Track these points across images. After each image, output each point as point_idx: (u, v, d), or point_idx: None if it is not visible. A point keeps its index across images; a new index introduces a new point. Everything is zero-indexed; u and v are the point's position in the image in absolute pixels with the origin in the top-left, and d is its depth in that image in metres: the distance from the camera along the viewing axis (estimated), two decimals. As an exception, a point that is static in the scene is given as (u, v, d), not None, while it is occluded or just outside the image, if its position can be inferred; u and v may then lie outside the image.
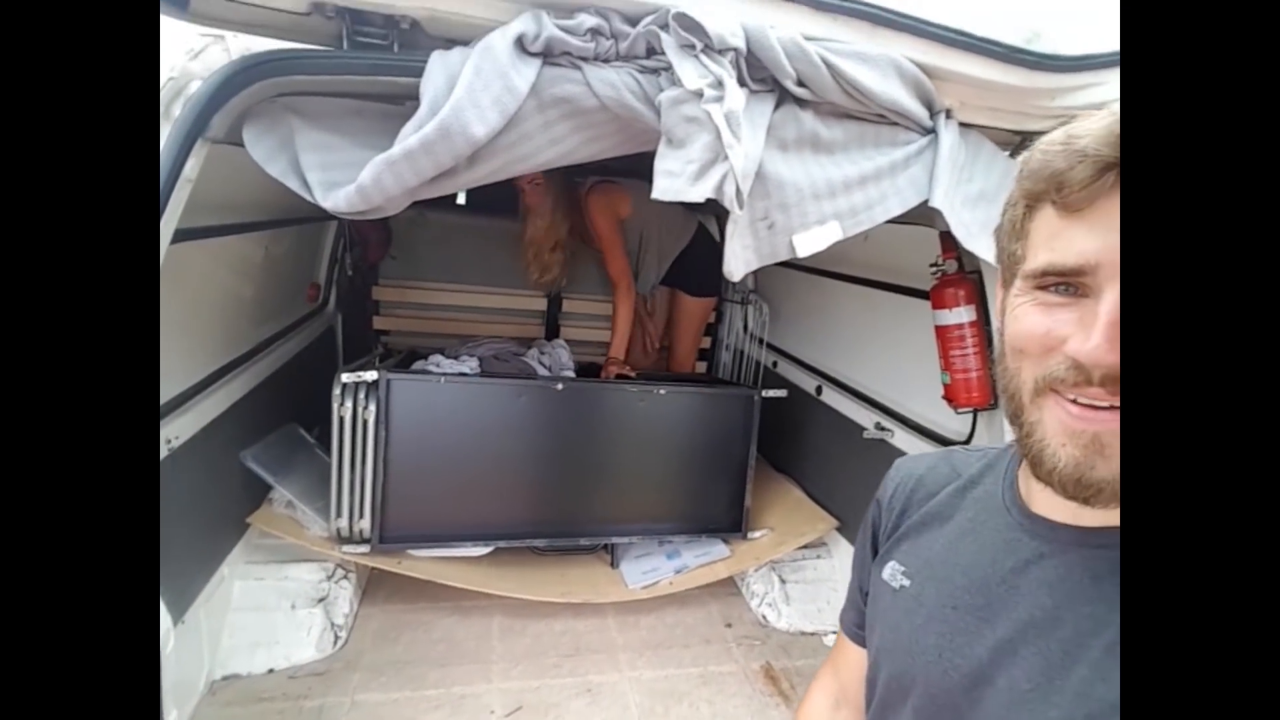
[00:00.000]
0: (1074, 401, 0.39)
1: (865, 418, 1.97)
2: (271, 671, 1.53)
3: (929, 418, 1.76)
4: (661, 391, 1.93)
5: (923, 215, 1.19)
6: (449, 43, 0.97)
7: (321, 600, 1.65)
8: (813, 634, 1.91)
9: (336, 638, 1.63)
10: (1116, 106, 0.38)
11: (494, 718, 1.48)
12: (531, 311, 2.87)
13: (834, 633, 1.45)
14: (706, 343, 3.03)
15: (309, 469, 1.82)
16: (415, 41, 0.98)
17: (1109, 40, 1.09)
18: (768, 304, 2.70)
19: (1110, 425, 0.38)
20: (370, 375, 1.61)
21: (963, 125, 1.17)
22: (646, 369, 2.65)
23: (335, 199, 0.97)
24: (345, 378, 1.60)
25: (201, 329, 1.50)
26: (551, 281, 2.43)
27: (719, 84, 0.91)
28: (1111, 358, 0.36)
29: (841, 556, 2.07)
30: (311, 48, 0.96)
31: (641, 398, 1.91)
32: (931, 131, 1.15)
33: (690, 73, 0.92)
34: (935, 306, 1.51)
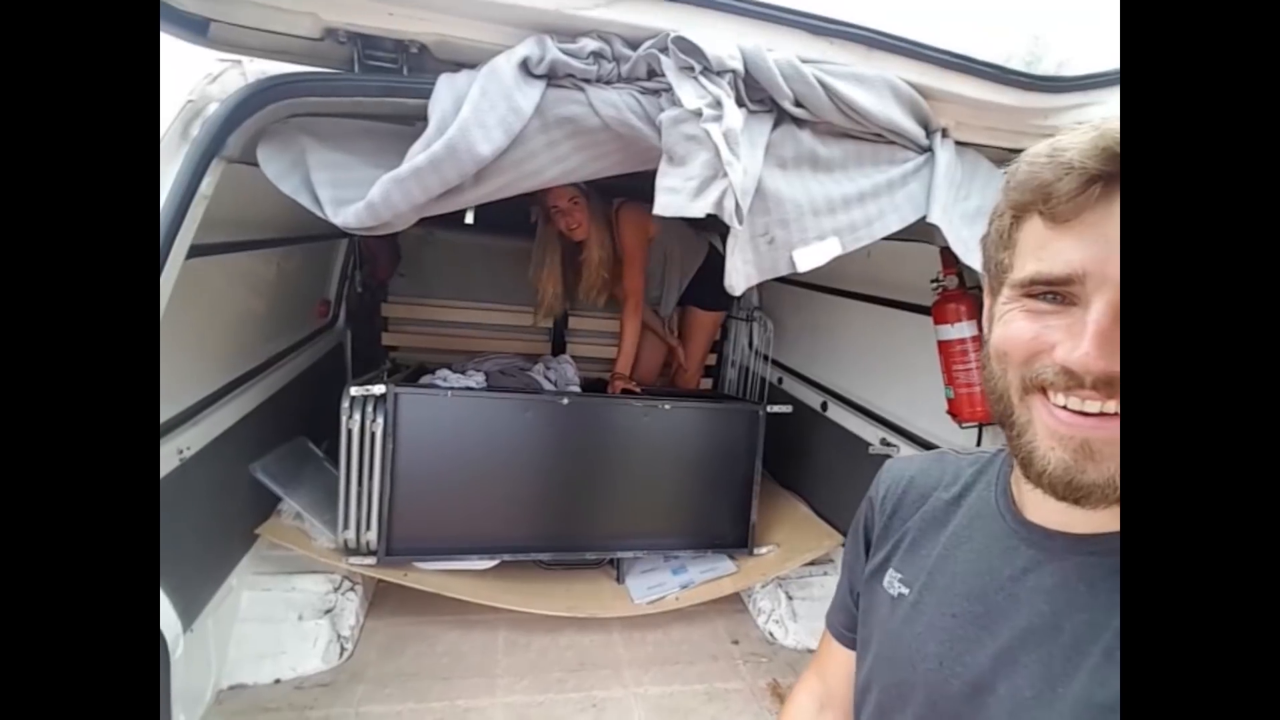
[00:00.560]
0: (1063, 408, 0.40)
1: (871, 433, 1.97)
2: (278, 682, 1.54)
3: (934, 433, 1.76)
4: (666, 406, 1.94)
5: (922, 232, 1.20)
6: (456, 66, 1.00)
7: (328, 612, 1.66)
8: (819, 651, 1.89)
9: (342, 649, 1.64)
10: (1101, 121, 0.40)
11: (497, 732, 1.48)
12: (538, 328, 2.90)
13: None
14: (712, 359, 3.04)
15: (317, 482, 1.84)
16: (424, 65, 1.02)
17: (1110, 46, 1.11)
18: (773, 320, 2.72)
19: (1098, 430, 0.39)
20: (378, 389, 1.64)
21: (960, 144, 1.19)
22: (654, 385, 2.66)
23: (345, 215, 1.00)
24: (354, 391, 1.62)
25: (215, 342, 1.54)
26: (603, 299, 2.38)
27: (717, 104, 0.94)
28: (1100, 365, 0.37)
29: (848, 573, 2.06)
30: (324, 71, 1.00)
31: (646, 412, 1.92)
32: (928, 150, 1.17)
33: (689, 93, 0.95)
34: (937, 322, 1.52)
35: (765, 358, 2.69)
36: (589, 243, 2.18)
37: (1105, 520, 0.43)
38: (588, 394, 2.10)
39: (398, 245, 2.70)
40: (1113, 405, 0.38)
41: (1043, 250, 0.41)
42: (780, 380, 2.62)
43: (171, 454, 1.27)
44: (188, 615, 1.32)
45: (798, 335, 2.61)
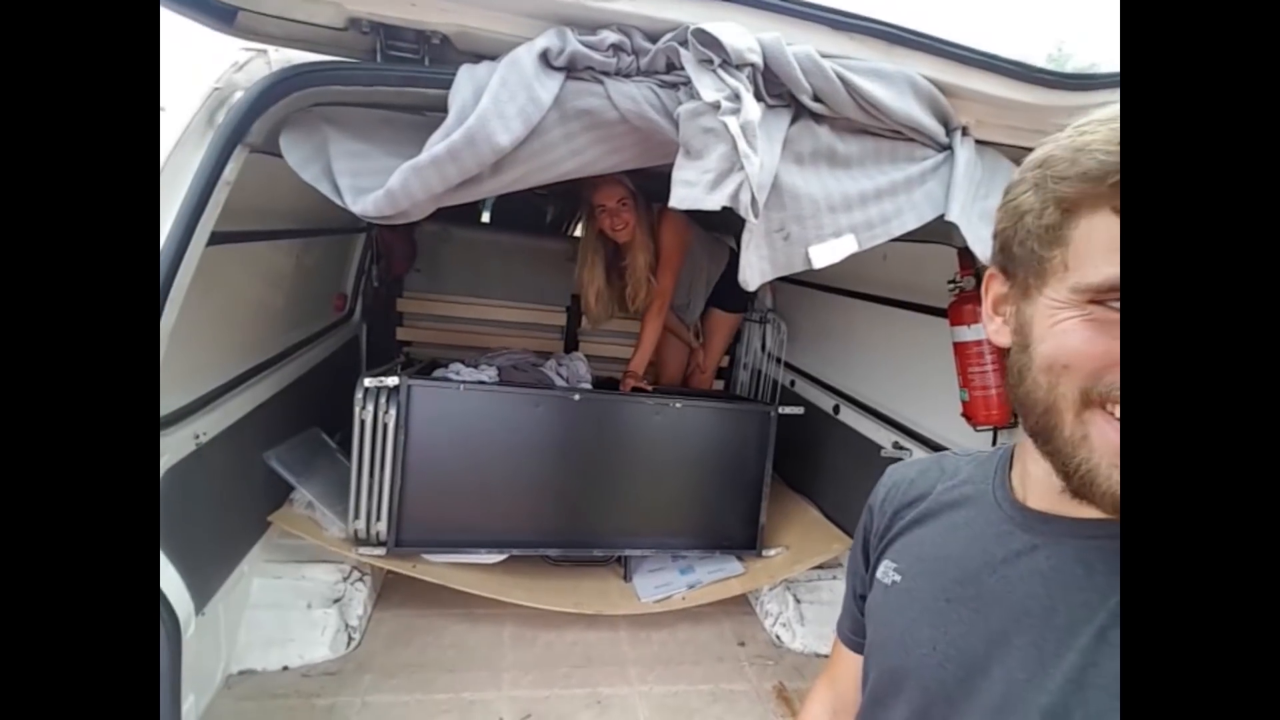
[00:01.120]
0: None
1: (883, 436, 1.95)
2: (286, 669, 1.55)
3: (947, 437, 1.74)
4: (678, 405, 1.94)
5: (940, 232, 1.19)
6: (477, 57, 1.01)
7: (337, 601, 1.67)
8: (827, 656, 1.87)
9: (350, 639, 1.65)
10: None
11: (502, 726, 1.48)
12: (551, 326, 2.91)
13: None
14: (724, 361, 3.04)
15: (330, 472, 1.86)
16: (445, 56, 1.03)
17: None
18: (786, 323, 2.71)
19: None
20: (392, 380, 1.65)
21: (980, 143, 1.18)
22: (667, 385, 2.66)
23: (364, 203, 1.00)
24: (368, 382, 1.64)
25: (233, 330, 1.56)
26: (645, 304, 2.30)
27: (736, 97, 0.94)
28: None
29: (857, 577, 2.04)
30: (347, 60, 1.01)
31: (658, 411, 1.92)
32: (948, 148, 1.16)
33: (708, 86, 0.95)
34: (953, 323, 1.50)
35: (778, 360, 2.68)
36: (634, 247, 2.16)
37: None
38: (599, 390, 2.10)
39: (414, 241, 2.73)
40: None
41: None
42: (793, 382, 2.60)
43: (188, 439, 1.28)
44: (200, 597, 1.33)
45: (811, 337, 2.60)
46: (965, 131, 1.17)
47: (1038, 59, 1.09)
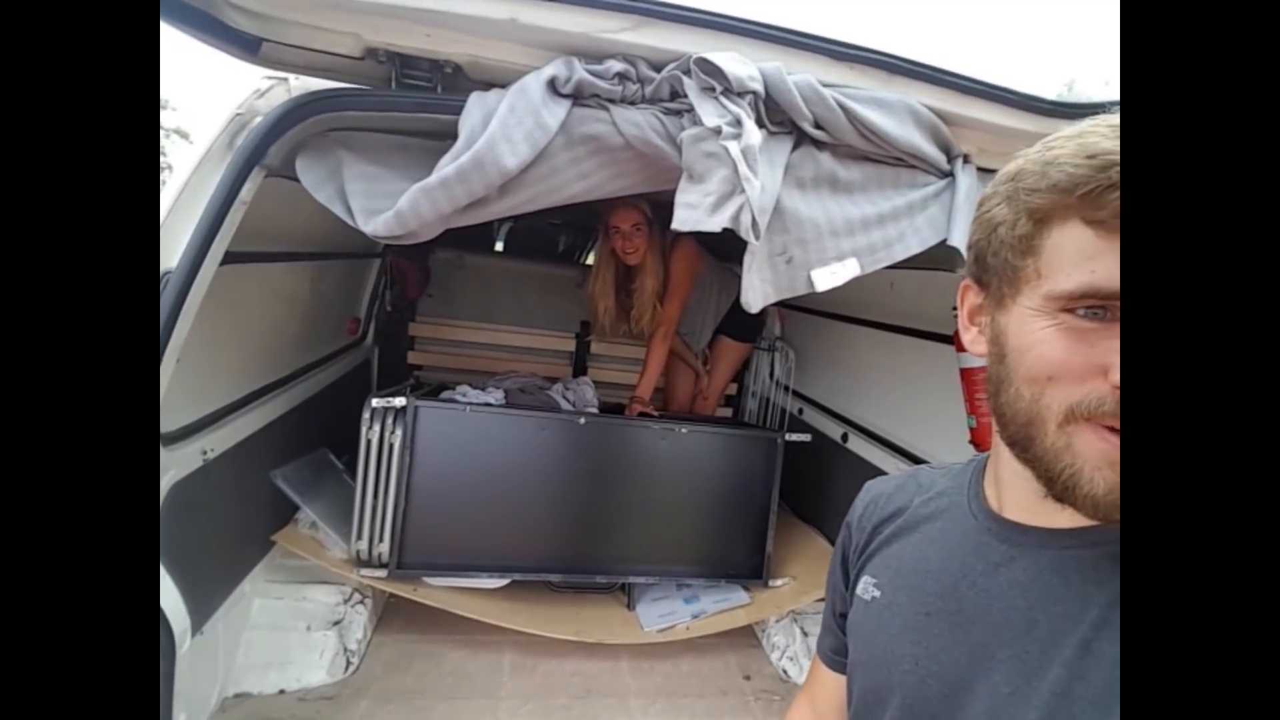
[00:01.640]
0: (1111, 429, 0.38)
1: (892, 465, 1.93)
2: (282, 692, 1.53)
3: (957, 466, 1.72)
4: (684, 431, 1.93)
5: (944, 258, 1.20)
6: (488, 85, 1.05)
7: (337, 624, 1.65)
8: (835, 692, 1.82)
9: (349, 663, 1.63)
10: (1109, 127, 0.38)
11: (498, 756, 1.45)
12: (560, 351, 2.93)
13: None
14: (732, 389, 3.03)
15: (335, 494, 1.86)
16: (457, 85, 1.07)
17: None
18: (794, 351, 2.71)
19: None
20: (399, 401, 1.66)
21: (982, 170, 1.19)
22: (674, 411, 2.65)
23: (375, 224, 1.03)
24: (375, 402, 1.65)
25: (246, 348, 1.59)
26: (652, 329, 2.32)
27: (737, 122, 0.96)
28: None
29: (866, 611, 1.99)
30: (362, 87, 1.05)
31: (663, 436, 1.91)
32: (950, 175, 1.17)
33: (710, 112, 0.97)
34: (960, 349, 1.50)
35: (786, 388, 2.67)
36: (644, 272, 2.20)
37: (1080, 516, 0.41)
38: (605, 415, 2.10)
39: (428, 266, 2.78)
40: None
41: (1094, 261, 0.37)
42: (801, 411, 2.59)
43: (195, 454, 1.30)
44: (199, 616, 1.33)
45: (819, 365, 2.59)
46: (967, 159, 1.19)
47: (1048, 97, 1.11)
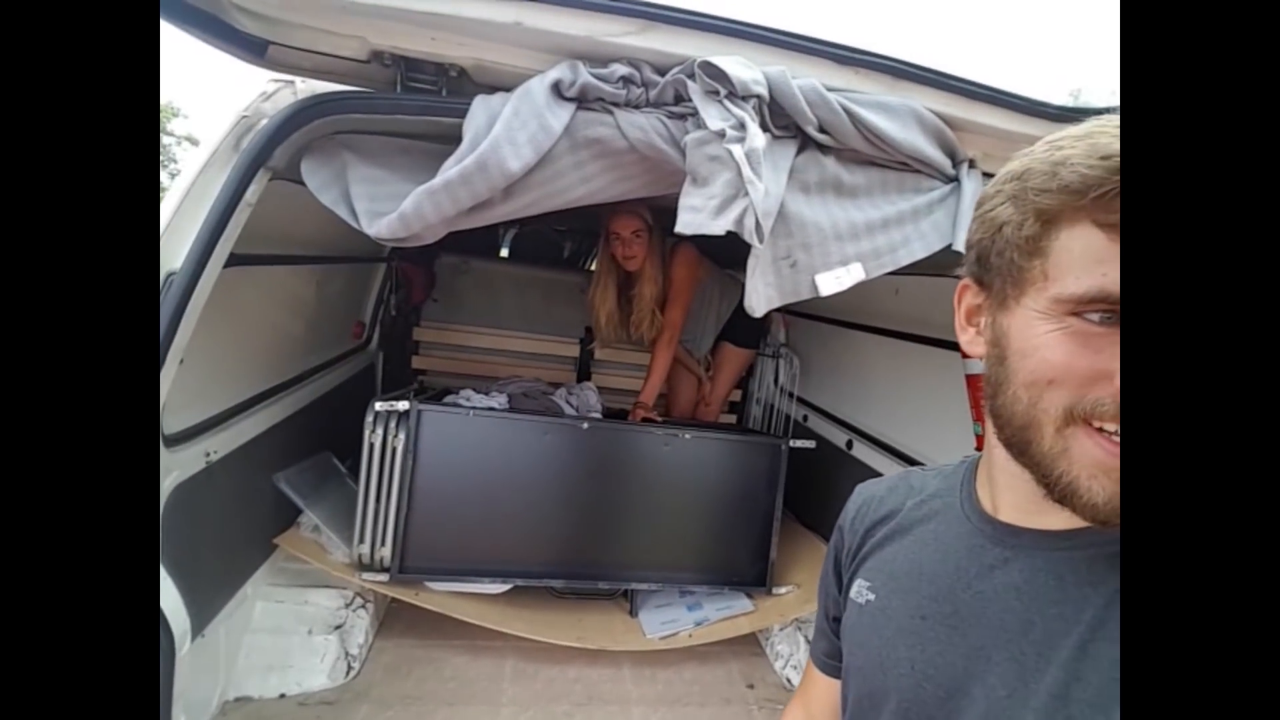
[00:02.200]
0: (1110, 435, 0.37)
1: (897, 472, 1.91)
2: (283, 696, 1.53)
3: (963, 474, 1.70)
4: (687, 436, 1.93)
5: (951, 264, 1.19)
6: (492, 89, 1.05)
7: (338, 628, 1.65)
8: (839, 702, 1.80)
9: (349, 667, 1.62)
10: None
11: (498, 763, 1.43)
12: (564, 357, 2.93)
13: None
14: (736, 396, 3.02)
15: (338, 497, 1.86)
16: (462, 88, 1.07)
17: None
18: (799, 357, 2.70)
19: None
20: (402, 405, 1.66)
21: (987, 175, 1.18)
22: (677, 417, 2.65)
23: (379, 226, 1.04)
24: (378, 406, 1.65)
25: (250, 351, 1.59)
26: (652, 335, 2.32)
27: (741, 125, 0.96)
28: None
29: (871, 620, 1.97)
30: (367, 90, 1.06)
31: (667, 441, 1.90)
32: (955, 180, 1.17)
33: (714, 116, 0.97)
34: (966, 355, 1.48)
35: (791, 395, 2.66)
36: (643, 278, 2.20)
37: (1076, 517, 0.41)
38: (608, 420, 2.09)
39: (433, 271, 2.79)
40: None
41: (1106, 265, 0.36)
42: (805, 418, 2.57)
43: (198, 456, 1.30)
44: (200, 619, 1.32)
45: (824, 372, 2.58)
46: (972, 164, 1.18)
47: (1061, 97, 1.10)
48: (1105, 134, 0.38)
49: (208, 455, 1.32)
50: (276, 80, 1.08)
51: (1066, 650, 0.39)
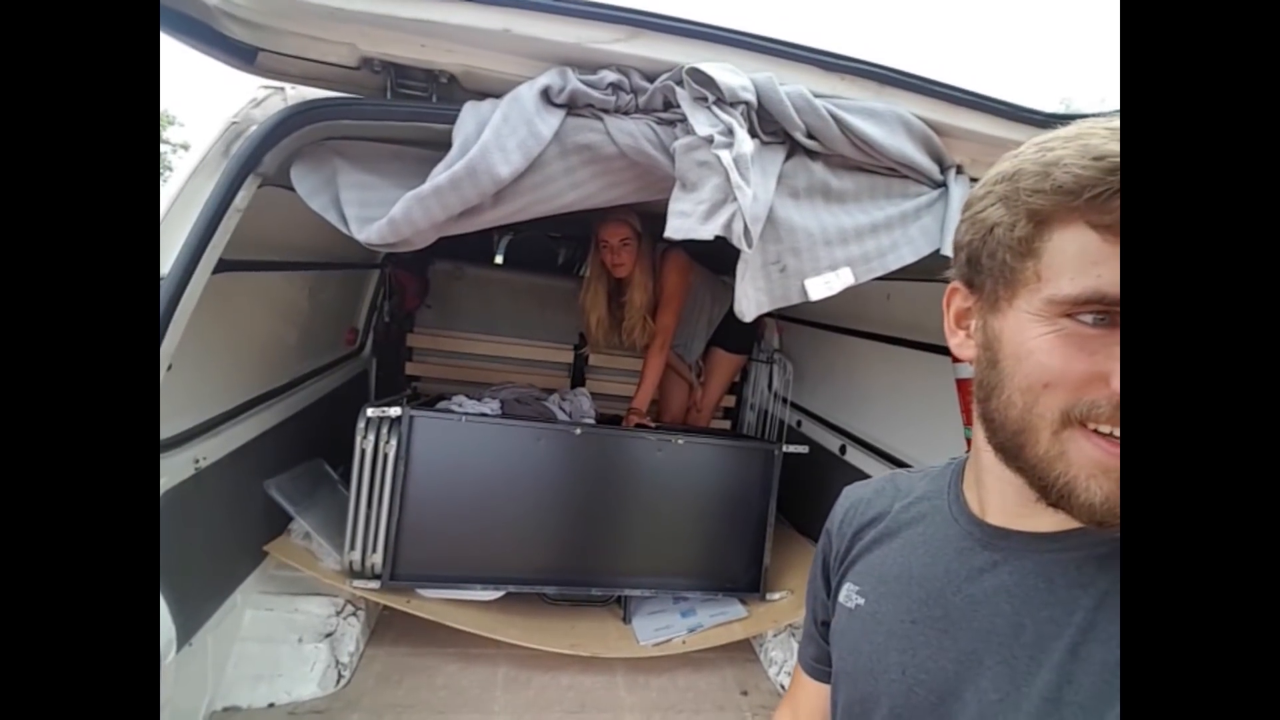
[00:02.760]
0: (1107, 436, 0.37)
1: (889, 477, 1.91)
2: (271, 706, 1.51)
3: (955, 478, 1.70)
4: (680, 442, 1.92)
5: (940, 269, 1.19)
6: (482, 95, 1.05)
7: (329, 636, 1.63)
8: (833, 708, 1.79)
9: (340, 676, 1.61)
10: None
11: (490, 772, 1.42)
12: (558, 363, 2.93)
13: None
14: (730, 401, 3.03)
15: (330, 504, 1.85)
16: (452, 94, 1.08)
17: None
18: (792, 363, 2.70)
19: None
20: (394, 411, 1.66)
21: (975, 180, 1.19)
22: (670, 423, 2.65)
23: (368, 232, 1.04)
24: (370, 412, 1.65)
25: (241, 357, 1.58)
26: (643, 341, 2.33)
27: (729, 131, 0.97)
28: None
29: (865, 625, 1.97)
30: (357, 97, 1.06)
31: (660, 447, 1.90)
32: (943, 185, 1.17)
33: (702, 122, 0.98)
34: (956, 360, 1.49)
35: (784, 400, 2.66)
36: (632, 285, 2.21)
37: (1064, 519, 0.41)
38: (601, 426, 2.09)
39: (427, 278, 2.79)
40: None
41: (1100, 267, 0.36)
42: (799, 423, 2.58)
43: (187, 463, 1.29)
44: (186, 628, 1.31)
45: (817, 378, 2.59)
46: (960, 170, 1.19)
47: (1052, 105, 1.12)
48: (1097, 135, 0.38)
49: (197, 462, 1.31)
50: (267, 87, 1.09)
51: (1058, 652, 0.39)
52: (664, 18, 0.99)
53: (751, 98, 1.01)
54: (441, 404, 1.98)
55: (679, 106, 1.02)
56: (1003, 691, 0.40)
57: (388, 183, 1.09)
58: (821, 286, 1.11)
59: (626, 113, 1.06)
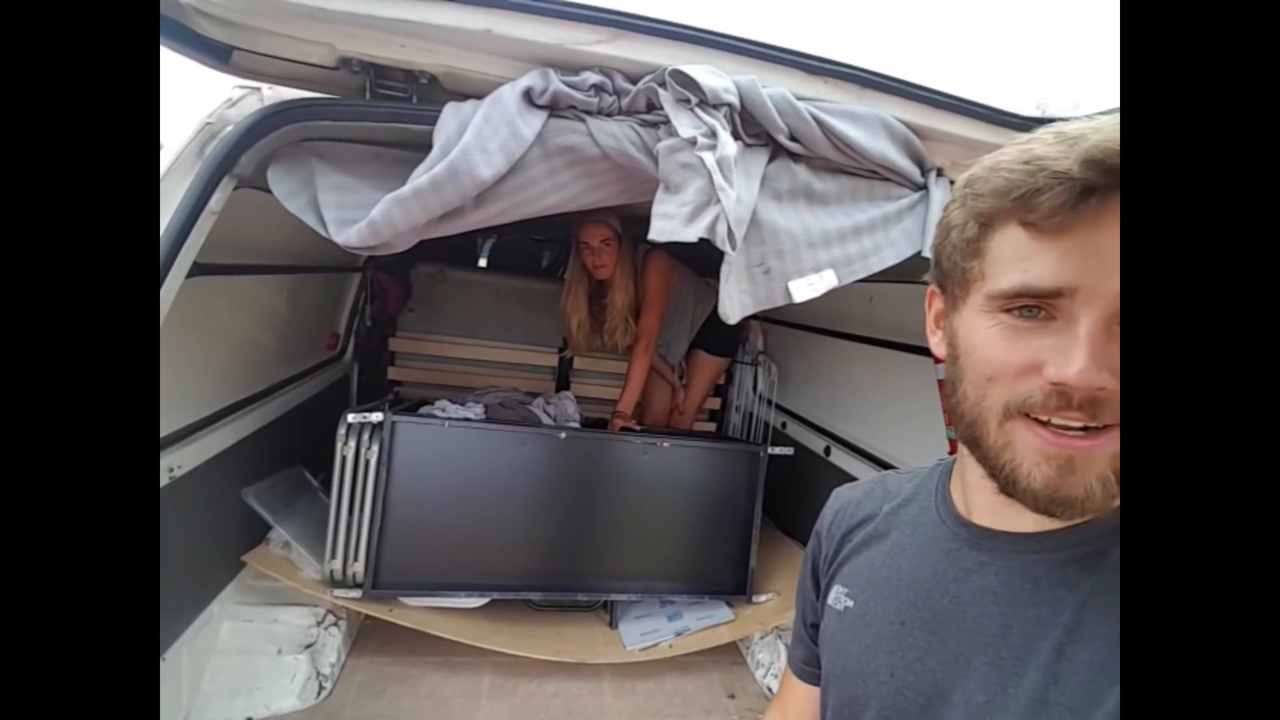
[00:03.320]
0: (1047, 425, 0.39)
1: (874, 478, 1.92)
2: (250, 720, 1.48)
3: (938, 478, 1.72)
4: (665, 445, 1.92)
5: (921, 271, 1.20)
6: (463, 97, 1.04)
7: (309, 647, 1.60)
8: (820, 709, 1.79)
9: (321, 688, 1.58)
10: (1076, 131, 0.39)
11: (475, 783, 1.40)
12: (543, 366, 2.91)
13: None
14: (715, 404, 3.03)
15: (310, 512, 1.82)
16: (432, 95, 1.06)
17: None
18: (777, 365, 2.71)
19: (1083, 449, 0.38)
20: (375, 416, 1.63)
21: (954, 183, 1.21)
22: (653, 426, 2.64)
23: (348, 234, 1.02)
24: (351, 418, 1.62)
25: (216, 362, 1.55)
26: (625, 343, 2.32)
27: (712, 133, 0.96)
28: (1098, 380, 0.36)
29: (851, 626, 1.97)
30: (336, 97, 1.04)
31: (645, 451, 1.89)
32: (924, 188, 1.18)
33: (685, 124, 0.98)
34: (937, 362, 1.50)
35: (769, 402, 2.67)
36: (613, 287, 2.20)
37: (1045, 519, 0.42)
38: (586, 429, 2.08)
39: (409, 281, 2.76)
40: (1096, 422, 0.38)
41: (1028, 262, 0.39)
42: (784, 425, 2.59)
43: (161, 472, 1.26)
44: (161, 641, 1.28)
45: (802, 379, 2.60)
46: (940, 172, 1.20)
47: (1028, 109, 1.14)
48: (1038, 140, 0.40)
49: (171, 471, 1.28)
50: (242, 86, 1.07)
51: (1044, 653, 0.39)
52: (646, 19, 0.99)
53: (734, 100, 1.01)
54: (424, 409, 1.96)
55: (662, 108, 1.02)
56: (990, 693, 0.41)
57: (367, 184, 1.07)
58: (805, 288, 1.12)
59: (609, 114, 1.06)
